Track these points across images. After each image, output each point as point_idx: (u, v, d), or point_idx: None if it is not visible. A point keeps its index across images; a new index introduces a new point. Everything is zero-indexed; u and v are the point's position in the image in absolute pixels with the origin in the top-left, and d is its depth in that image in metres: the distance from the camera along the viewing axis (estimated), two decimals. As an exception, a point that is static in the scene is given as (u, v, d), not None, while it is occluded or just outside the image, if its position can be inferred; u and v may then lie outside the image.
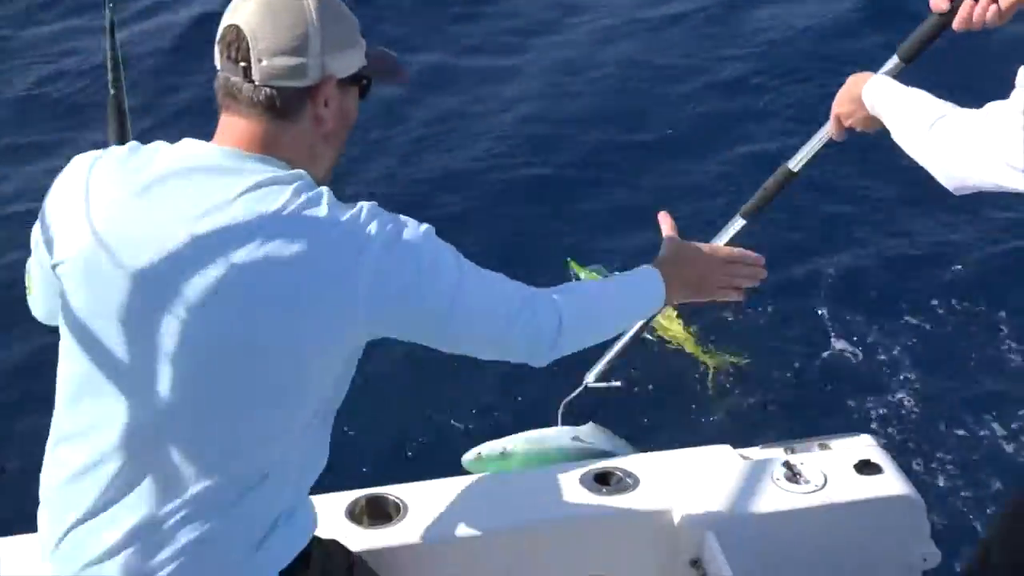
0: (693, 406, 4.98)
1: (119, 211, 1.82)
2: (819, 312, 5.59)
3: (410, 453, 4.49)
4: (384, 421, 4.65)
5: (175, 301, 1.77)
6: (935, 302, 5.62)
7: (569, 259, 5.53)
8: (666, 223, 2.42)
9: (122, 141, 2.56)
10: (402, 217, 1.89)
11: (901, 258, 6.04)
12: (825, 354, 5.31)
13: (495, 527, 2.52)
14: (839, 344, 5.37)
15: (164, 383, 1.81)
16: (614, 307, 2.19)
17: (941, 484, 4.51)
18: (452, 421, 4.77)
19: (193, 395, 1.83)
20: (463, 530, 2.50)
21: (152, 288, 1.78)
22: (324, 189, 1.85)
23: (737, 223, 2.92)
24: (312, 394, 1.90)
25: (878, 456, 2.68)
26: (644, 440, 4.23)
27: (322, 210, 1.80)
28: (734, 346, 5.30)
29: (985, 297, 5.65)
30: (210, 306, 1.77)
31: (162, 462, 1.84)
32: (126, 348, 1.81)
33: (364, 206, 1.83)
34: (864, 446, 2.76)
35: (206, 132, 1.95)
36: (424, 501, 2.54)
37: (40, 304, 2.05)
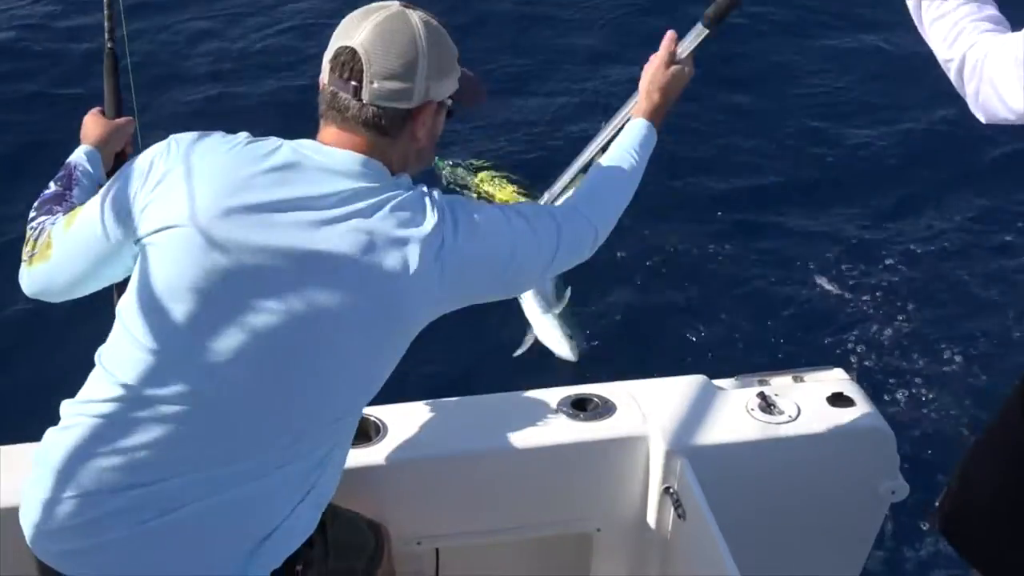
0: (671, 336, 5.02)
1: (243, 189, 1.92)
2: (798, 245, 5.63)
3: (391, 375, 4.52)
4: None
5: (276, 280, 1.89)
6: (910, 237, 5.68)
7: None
8: (667, 38, 2.53)
9: (118, 103, 2.53)
10: (461, 200, 2.07)
11: (874, 185, 6.10)
12: (802, 288, 5.36)
13: (473, 449, 2.56)
14: (815, 278, 5.41)
15: (245, 356, 1.90)
16: (627, 175, 2.39)
17: (913, 420, 4.58)
18: (431, 343, 4.78)
19: (269, 377, 1.92)
20: (441, 451, 2.54)
21: (258, 266, 1.89)
22: (420, 191, 2.02)
23: (698, 30, 2.64)
24: (381, 378, 2.07)
25: (851, 390, 2.73)
26: (622, 368, 4.27)
27: (415, 213, 1.96)
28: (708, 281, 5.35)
29: (959, 232, 5.70)
30: (307, 292, 1.90)
31: (218, 430, 1.92)
32: (216, 317, 1.89)
33: (437, 200, 2.00)
34: (837, 379, 2.80)
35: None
36: (404, 422, 2.57)
37: (57, 274, 2.07)
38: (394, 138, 2.01)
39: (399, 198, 1.96)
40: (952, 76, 2.23)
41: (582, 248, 2.26)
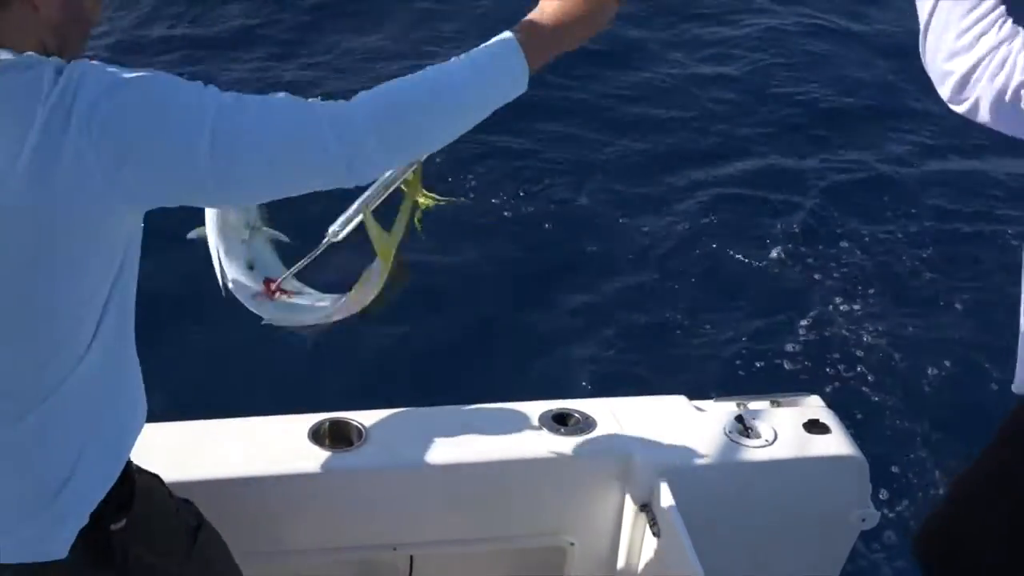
0: (653, 355, 5.05)
1: None
2: (783, 269, 5.67)
3: (375, 381, 4.53)
4: (356, 348, 4.68)
5: None
6: (894, 264, 5.73)
7: None
8: None
9: None
10: (126, 72, 1.66)
11: (858, 207, 6.17)
12: (784, 313, 5.39)
13: (452, 459, 2.57)
14: (798, 303, 5.45)
15: None
16: (446, 94, 1.77)
17: (886, 446, 4.60)
18: (417, 352, 4.81)
19: None
20: (421, 460, 2.55)
21: None
22: (43, 69, 1.61)
23: None
24: (83, 284, 1.72)
25: (827, 417, 2.76)
26: (604, 385, 4.30)
27: (24, 101, 1.59)
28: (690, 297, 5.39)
29: (942, 261, 5.76)
30: None
31: None
32: None
33: (65, 78, 1.60)
34: (815, 406, 2.83)
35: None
36: (385, 429, 2.59)
37: None
38: (5, 7, 1.64)
39: (15, 83, 1.59)
40: (961, 66, 2.00)
41: (341, 153, 1.68)
